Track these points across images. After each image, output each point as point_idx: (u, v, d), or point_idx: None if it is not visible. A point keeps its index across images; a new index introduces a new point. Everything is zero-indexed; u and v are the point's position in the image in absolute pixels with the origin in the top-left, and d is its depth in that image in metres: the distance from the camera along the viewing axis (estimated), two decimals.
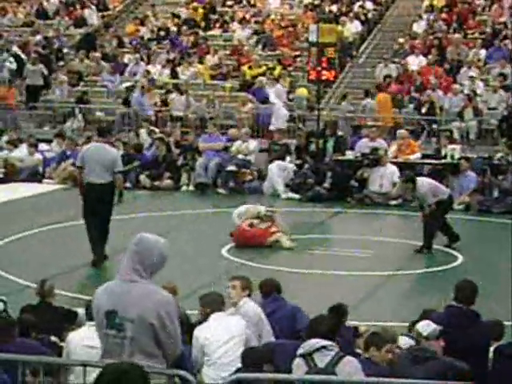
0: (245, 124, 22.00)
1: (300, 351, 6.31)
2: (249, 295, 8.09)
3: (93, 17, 28.96)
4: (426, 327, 6.91)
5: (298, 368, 6.26)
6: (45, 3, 29.84)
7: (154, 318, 5.27)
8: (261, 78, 23.96)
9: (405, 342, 7.21)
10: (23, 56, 26.07)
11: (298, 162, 19.44)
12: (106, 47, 27.23)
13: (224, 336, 7.31)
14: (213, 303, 7.66)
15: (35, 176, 20.35)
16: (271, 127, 21.93)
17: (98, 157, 12.69)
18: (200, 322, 7.76)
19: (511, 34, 24.91)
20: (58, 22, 28.64)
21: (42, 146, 21.42)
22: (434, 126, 21.53)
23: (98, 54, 26.39)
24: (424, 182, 13.93)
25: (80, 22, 28.48)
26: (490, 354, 7.29)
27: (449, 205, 14.11)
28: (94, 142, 14.06)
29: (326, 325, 6.51)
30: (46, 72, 25.24)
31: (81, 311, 8.09)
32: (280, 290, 8.59)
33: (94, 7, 29.35)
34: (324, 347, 6.23)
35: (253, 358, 6.71)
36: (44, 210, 16.89)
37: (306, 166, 19.11)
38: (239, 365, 6.86)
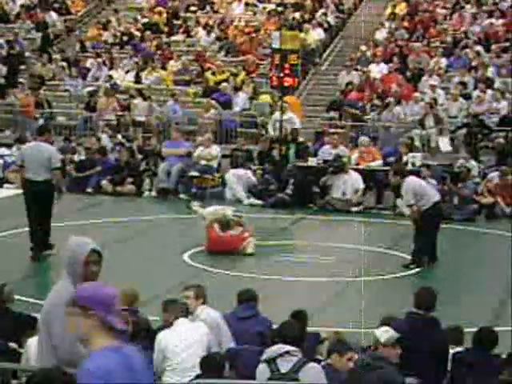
0: (208, 129, 21.99)
1: (264, 356, 6.32)
2: (203, 303, 8.09)
3: (55, 21, 28.76)
4: (383, 333, 6.94)
5: (262, 373, 6.27)
6: (6, 7, 29.57)
7: (43, 317, 5.52)
8: (224, 83, 23.99)
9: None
10: None
11: (258, 167, 19.50)
12: (68, 51, 27.07)
13: (186, 341, 7.31)
14: (178, 310, 7.64)
15: None
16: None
17: (35, 155, 13.17)
18: (162, 328, 7.74)
19: (472, 43, 25.19)
20: (19, 25, 28.40)
21: (3, 151, 21.23)
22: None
23: (57, 56, 26.24)
24: (411, 181, 13.44)
25: (42, 26, 28.26)
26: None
27: (436, 215, 13.36)
28: (33, 141, 14.29)
29: (297, 330, 6.54)
30: (4, 72, 25.10)
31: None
32: (257, 300, 8.57)
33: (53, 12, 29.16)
34: (287, 352, 6.24)
35: (210, 365, 6.70)
36: (4, 214, 16.72)
37: (268, 171, 19.18)
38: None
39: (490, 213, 17.58)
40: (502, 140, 20.56)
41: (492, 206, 17.76)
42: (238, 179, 19.05)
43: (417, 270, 13.28)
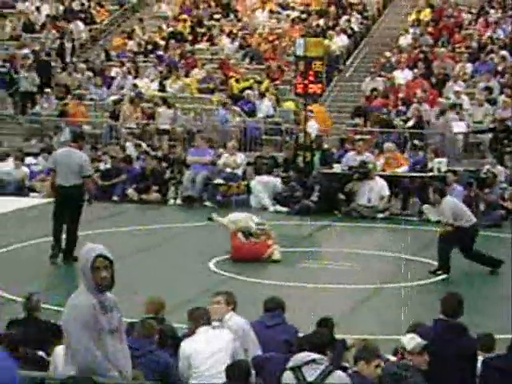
0: (232, 137, 22.01)
1: (289, 364, 6.28)
2: (233, 309, 8.07)
3: (80, 30, 28.97)
4: (410, 341, 6.89)
5: (287, 381, 6.24)
6: (31, 17, 29.82)
7: (62, 325, 5.69)
8: (248, 91, 24.02)
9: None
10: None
11: (284, 175, 19.51)
12: (93, 60, 27.23)
13: (211, 348, 7.30)
14: (200, 318, 7.64)
15: (21, 190, 20.29)
16: None
17: (67, 160, 13.49)
18: (187, 336, 7.74)
19: (497, 48, 25.06)
20: (44, 35, 28.62)
21: (30, 160, 21.38)
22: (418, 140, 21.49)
23: (83, 66, 26.44)
24: (449, 201, 13.44)
25: (62, 35, 28.43)
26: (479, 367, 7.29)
27: (469, 235, 13.32)
28: (67, 147, 14.57)
29: (325, 337, 6.52)
30: (37, 80, 25.32)
31: None
32: (284, 308, 8.55)
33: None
34: (313, 361, 6.20)
35: (236, 372, 6.68)
36: (30, 223, 16.83)
37: (293, 178, 19.16)
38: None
39: None
40: None
41: None
42: (263, 186, 19.05)
43: (444, 276, 13.20)
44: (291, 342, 7.94)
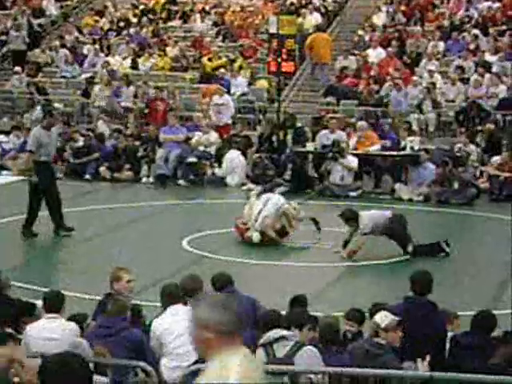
0: (205, 116, 21.93)
1: (261, 341, 6.33)
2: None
3: (51, 7, 28.68)
4: (384, 318, 6.94)
5: (259, 358, 6.28)
6: None
7: None
8: (222, 69, 23.91)
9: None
10: None
11: (257, 155, 19.50)
12: (66, 38, 26.97)
13: (181, 326, 7.31)
14: (171, 296, 7.64)
15: None
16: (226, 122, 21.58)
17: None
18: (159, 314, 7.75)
19: (469, 26, 25.11)
20: (15, 12, 28.29)
21: (1, 138, 21.21)
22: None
23: (57, 43, 26.21)
24: (366, 214, 13.44)
25: (38, 13, 28.17)
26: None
27: (395, 224, 13.23)
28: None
29: (298, 316, 6.56)
30: (27, 39, 25.63)
31: (39, 303, 8.01)
32: (232, 282, 8.52)
33: None
34: (284, 337, 6.25)
35: None
36: (1, 201, 16.71)
37: (266, 156, 19.18)
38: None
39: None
40: (491, 125, 20.35)
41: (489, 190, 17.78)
42: (235, 164, 19.03)
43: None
44: (253, 316, 7.95)
